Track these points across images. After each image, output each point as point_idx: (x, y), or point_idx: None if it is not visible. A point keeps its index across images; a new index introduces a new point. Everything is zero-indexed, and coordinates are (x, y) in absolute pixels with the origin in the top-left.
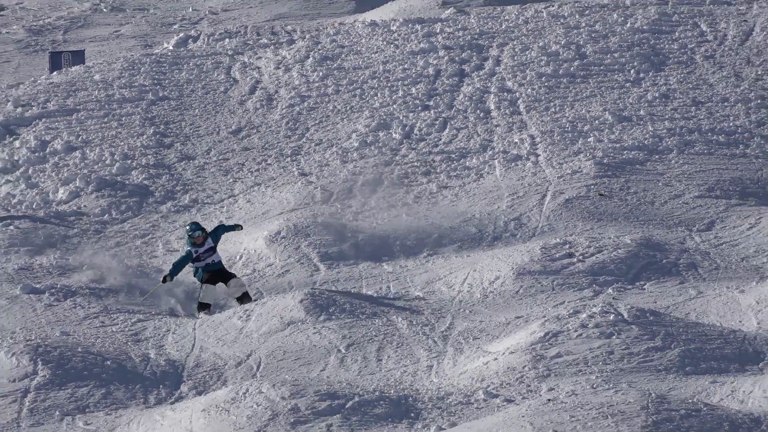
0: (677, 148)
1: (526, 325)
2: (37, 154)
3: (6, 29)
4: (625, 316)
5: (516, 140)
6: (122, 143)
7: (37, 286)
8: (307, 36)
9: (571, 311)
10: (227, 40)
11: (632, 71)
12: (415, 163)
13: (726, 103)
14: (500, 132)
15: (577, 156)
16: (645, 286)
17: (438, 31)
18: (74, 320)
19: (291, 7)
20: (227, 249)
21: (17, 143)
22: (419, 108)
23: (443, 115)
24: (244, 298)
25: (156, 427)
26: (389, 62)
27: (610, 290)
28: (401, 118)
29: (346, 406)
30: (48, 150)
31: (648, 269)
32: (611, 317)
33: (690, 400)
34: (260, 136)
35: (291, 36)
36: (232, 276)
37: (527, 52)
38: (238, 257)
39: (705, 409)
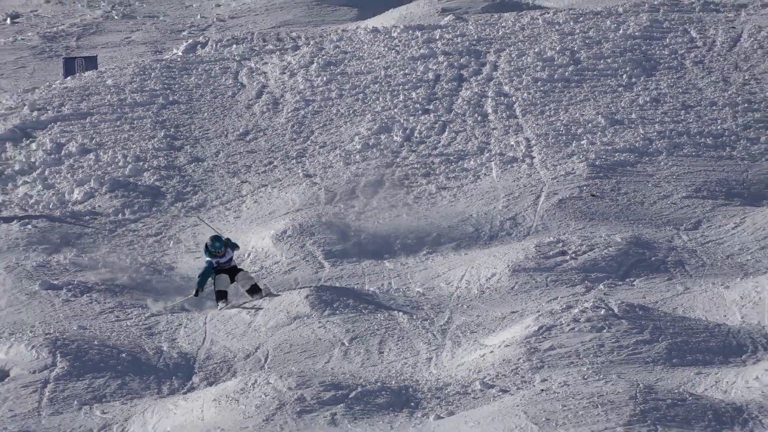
0: (666, 150)
1: (520, 320)
2: (52, 156)
3: (22, 36)
4: (616, 310)
5: (512, 143)
6: (134, 146)
7: (55, 282)
8: (311, 42)
9: (564, 306)
10: (234, 46)
11: (624, 76)
12: (415, 165)
13: (714, 107)
14: (497, 135)
15: (570, 158)
16: (634, 283)
17: (437, 37)
18: (90, 315)
19: (296, 14)
20: None
21: (34, 146)
22: (419, 112)
23: (442, 118)
24: (253, 290)
25: (169, 415)
26: (390, 67)
27: (601, 286)
28: (402, 121)
29: (350, 396)
30: (63, 152)
31: (637, 266)
32: (602, 312)
33: (676, 390)
34: (266, 139)
35: (296, 42)
36: (240, 270)
37: (523, 58)
38: (246, 255)
39: (690, 398)
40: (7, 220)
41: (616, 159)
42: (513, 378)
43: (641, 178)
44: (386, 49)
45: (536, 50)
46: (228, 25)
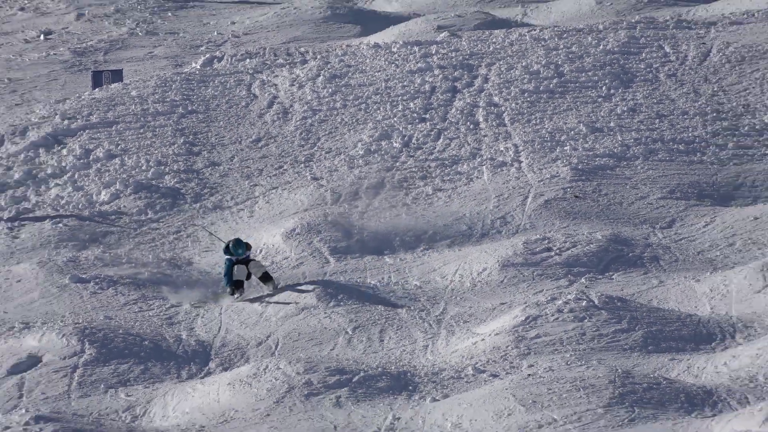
0: (643, 155)
1: (509, 310)
2: (81, 161)
3: (54, 51)
4: (596, 302)
5: (501, 149)
6: (156, 151)
7: (84, 276)
8: (318, 57)
9: (549, 298)
10: (248, 60)
11: (604, 88)
12: (413, 169)
13: (686, 116)
14: (488, 141)
15: (555, 162)
16: (613, 277)
17: (433, 52)
18: (116, 306)
19: (304, 31)
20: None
21: (64, 151)
22: (417, 120)
23: (438, 126)
24: (266, 278)
25: (187, 398)
26: (390, 80)
27: (583, 280)
28: (401, 129)
29: (353, 381)
30: (91, 157)
31: (616, 262)
32: (584, 303)
33: (651, 375)
34: (277, 145)
35: (304, 57)
36: (252, 260)
37: (512, 71)
38: (258, 251)
39: (664, 382)
40: (40, 219)
41: (596, 163)
42: (502, 364)
43: (620, 181)
44: (386, 63)
45: (523, 64)
46: (242, 41)
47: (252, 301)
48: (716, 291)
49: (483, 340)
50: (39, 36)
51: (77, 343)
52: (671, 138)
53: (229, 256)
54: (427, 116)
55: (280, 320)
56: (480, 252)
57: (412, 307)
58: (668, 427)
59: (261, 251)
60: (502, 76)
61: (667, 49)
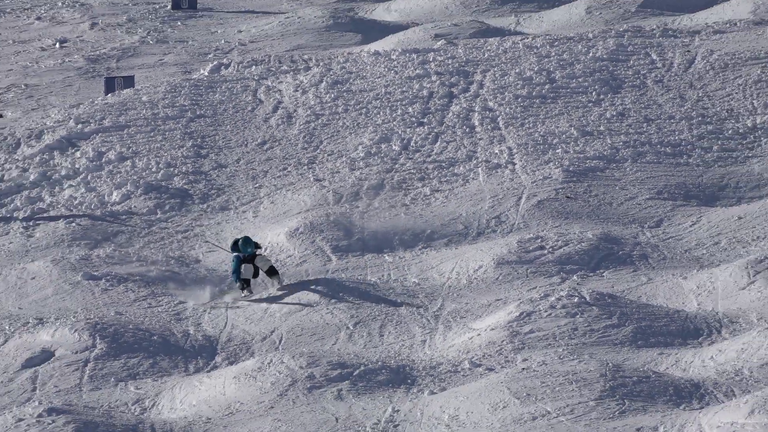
0: (631, 158)
1: (504, 306)
2: (94, 163)
3: (69, 58)
4: (587, 298)
5: (496, 151)
6: (166, 154)
7: (95, 273)
8: (320, 64)
9: (542, 294)
10: (254, 67)
11: (594, 93)
12: (412, 171)
13: (672, 120)
14: (483, 144)
15: (547, 164)
16: (604, 274)
17: (431, 59)
18: (126, 302)
19: (307, 39)
20: None
21: (78, 154)
22: (415, 124)
23: (435, 130)
24: (271, 272)
25: (194, 391)
26: (390, 86)
27: (575, 277)
28: (400, 132)
29: (354, 374)
30: (104, 159)
31: (607, 260)
32: (575, 299)
33: (641, 369)
34: (281, 148)
35: (307, 64)
36: (259, 255)
37: (506, 77)
38: (263, 249)
39: (653, 376)
40: (54, 218)
41: (587, 165)
42: (497, 358)
43: (609, 182)
44: (386, 69)
45: (517, 71)
46: (248, 48)
47: (259, 301)
48: (703, 288)
49: (479, 335)
50: (55, 44)
51: (89, 338)
52: (658, 141)
53: (236, 253)
54: (425, 120)
55: (284, 316)
56: (476, 250)
57: (410, 304)
58: (657, 419)
59: (266, 249)
60: (496, 82)
61: (654, 56)
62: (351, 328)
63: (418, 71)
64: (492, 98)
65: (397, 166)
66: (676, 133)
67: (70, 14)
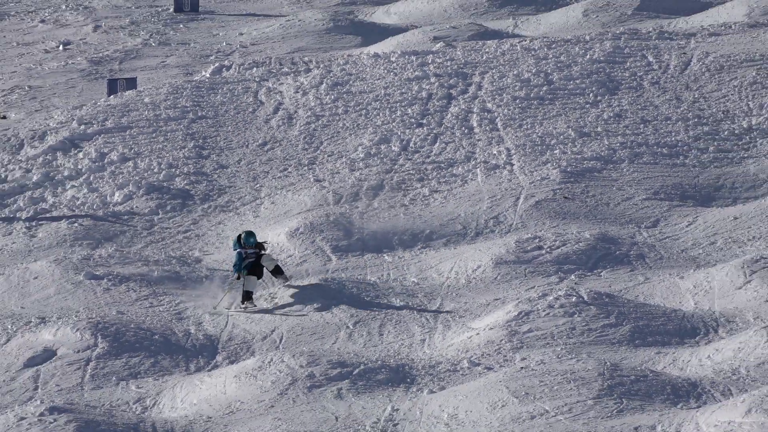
0: (628, 158)
1: (502, 306)
2: (97, 164)
3: (72, 60)
4: (585, 298)
5: (494, 152)
6: (167, 155)
7: (97, 273)
8: (321, 66)
9: (540, 294)
10: (255, 69)
11: (591, 95)
12: (411, 171)
13: (669, 122)
14: (481, 145)
15: (545, 165)
16: (601, 274)
17: (430, 61)
18: (128, 301)
19: (308, 41)
20: None
21: (81, 155)
22: (414, 125)
23: (434, 131)
24: (277, 271)
25: (195, 390)
26: (389, 87)
27: (572, 277)
28: (399, 133)
29: (354, 373)
30: (106, 160)
31: (604, 259)
32: (573, 299)
33: (639, 368)
34: (282, 149)
35: (308, 66)
36: (264, 254)
37: (504, 79)
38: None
39: (651, 375)
40: (57, 219)
41: (584, 166)
42: (496, 357)
43: (607, 183)
44: (386, 71)
45: (515, 72)
46: (249, 50)
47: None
48: (699, 287)
49: (478, 334)
50: (58, 46)
51: (90, 337)
52: (655, 142)
53: (239, 249)
54: (424, 121)
55: (284, 315)
56: (474, 250)
57: (409, 303)
58: (655, 418)
59: (267, 249)
60: (494, 84)
61: (650, 58)
62: (351, 327)
63: (417, 73)
64: (490, 100)
65: (396, 166)
66: (673, 134)
67: (73, 17)
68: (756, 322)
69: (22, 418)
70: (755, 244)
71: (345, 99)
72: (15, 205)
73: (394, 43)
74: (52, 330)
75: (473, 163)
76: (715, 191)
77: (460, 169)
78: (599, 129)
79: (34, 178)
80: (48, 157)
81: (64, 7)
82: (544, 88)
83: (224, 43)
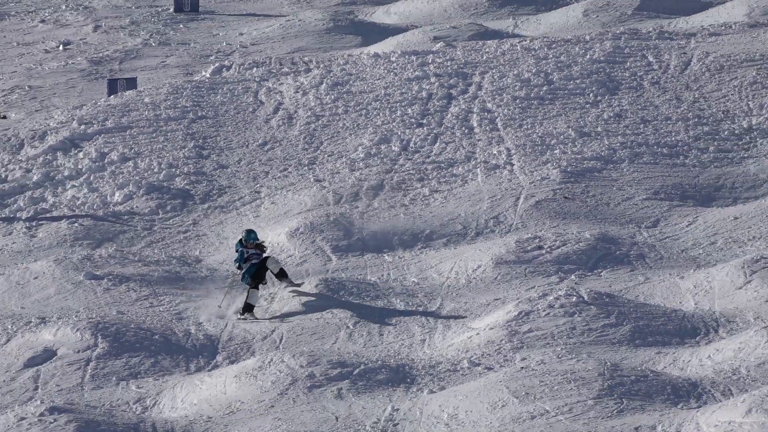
0: (628, 158)
1: (502, 306)
2: (97, 164)
3: (72, 60)
4: (585, 298)
5: (495, 152)
6: (168, 154)
7: (98, 273)
8: (321, 65)
9: (541, 294)
10: (255, 69)
11: (591, 95)
12: (411, 171)
13: (669, 121)
14: (481, 145)
15: (545, 165)
16: (602, 274)
17: (430, 61)
18: (128, 301)
19: (308, 41)
20: None
21: (81, 155)
22: (414, 125)
23: (434, 131)
24: (281, 274)
25: (196, 390)
26: (389, 87)
27: (572, 277)
28: (399, 133)
29: (354, 373)
30: (106, 160)
31: (604, 259)
32: (574, 299)
33: (639, 368)
34: (282, 149)
35: (308, 66)
36: (268, 257)
37: (504, 79)
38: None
39: (651, 375)
40: (57, 219)
41: (584, 166)
42: (496, 357)
43: (607, 183)
44: (386, 71)
45: (515, 72)
46: (249, 51)
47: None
48: (699, 287)
49: (478, 334)
50: (58, 46)
51: (91, 337)
52: (655, 142)
53: (241, 249)
54: (424, 121)
55: (284, 315)
56: (474, 250)
57: (410, 303)
58: (655, 418)
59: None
60: (494, 84)
61: (651, 58)
62: (351, 327)
63: (417, 73)
64: (490, 100)
65: (396, 166)
66: (673, 134)
67: (73, 17)
68: (756, 322)
69: (22, 418)
70: (755, 244)
71: (345, 99)
72: (15, 205)
73: (394, 43)
74: (53, 330)
75: (473, 163)
76: (715, 191)
77: (460, 169)
78: (599, 129)
79: (35, 178)
80: (48, 157)
81: (64, 7)
82: (544, 88)
83: (224, 43)
